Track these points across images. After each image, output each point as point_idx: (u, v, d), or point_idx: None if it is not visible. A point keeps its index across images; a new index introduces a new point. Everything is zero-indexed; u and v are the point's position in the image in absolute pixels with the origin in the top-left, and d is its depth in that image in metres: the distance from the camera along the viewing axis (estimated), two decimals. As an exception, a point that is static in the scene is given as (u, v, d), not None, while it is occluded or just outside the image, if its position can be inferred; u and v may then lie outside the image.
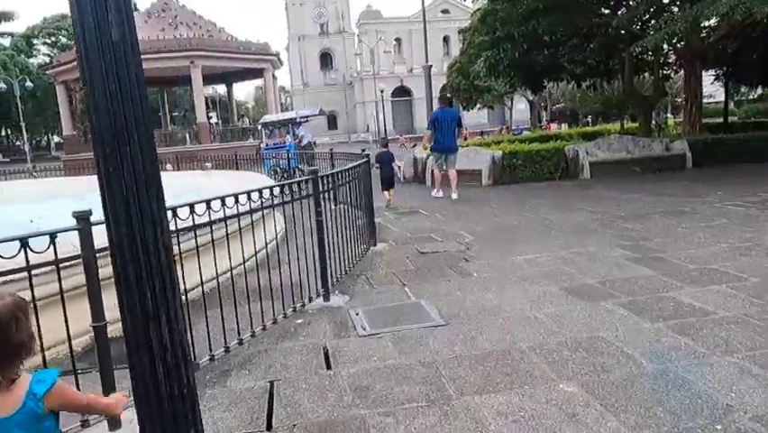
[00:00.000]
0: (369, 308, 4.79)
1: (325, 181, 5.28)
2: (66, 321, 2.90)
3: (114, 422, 2.86)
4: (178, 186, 10.82)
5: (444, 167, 11.55)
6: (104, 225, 1.50)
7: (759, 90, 33.82)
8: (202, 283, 3.77)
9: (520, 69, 16.75)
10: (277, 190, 4.44)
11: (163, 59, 29.91)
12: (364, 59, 65.18)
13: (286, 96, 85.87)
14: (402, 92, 69.32)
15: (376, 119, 52.13)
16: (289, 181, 4.78)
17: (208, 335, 3.76)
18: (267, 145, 20.11)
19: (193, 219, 3.58)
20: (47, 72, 35.98)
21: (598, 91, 23.56)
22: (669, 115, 39.68)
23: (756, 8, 9.88)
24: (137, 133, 1.43)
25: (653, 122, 21.93)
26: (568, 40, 16.36)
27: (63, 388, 1.65)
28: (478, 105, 40.93)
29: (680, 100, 36.27)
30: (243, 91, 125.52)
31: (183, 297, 3.77)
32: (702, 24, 14.15)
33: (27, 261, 2.72)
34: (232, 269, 4.04)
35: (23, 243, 2.67)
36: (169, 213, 3.33)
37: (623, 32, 15.40)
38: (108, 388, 2.91)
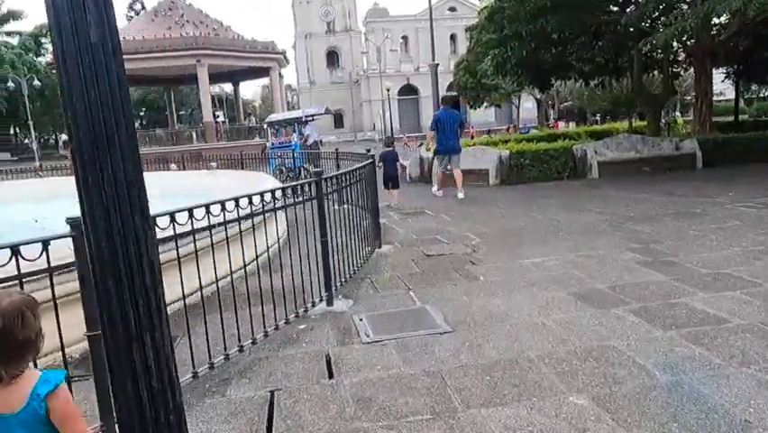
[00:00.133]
0: (373, 314, 4.68)
1: (329, 183, 5.18)
2: (59, 328, 2.81)
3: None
4: (184, 186, 10.79)
5: (448, 167, 11.53)
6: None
7: (770, 88, 33.44)
8: (201, 288, 3.67)
9: (528, 67, 16.61)
10: (279, 193, 4.34)
11: (169, 57, 29.97)
12: (371, 57, 65.08)
13: (292, 94, 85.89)
14: (409, 90, 69.11)
15: (382, 118, 52.01)
16: (292, 184, 4.68)
17: (207, 342, 3.67)
18: (272, 144, 20.03)
19: (192, 224, 3.49)
20: (54, 71, 35.99)
21: (606, 89, 23.34)
22: (677, 113, 39.35)
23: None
24: (118, 140, 1.33)
25: (663, 120, 21.70)
26: (576, 38, 16.19)
27: (67, 397, 1.58)
28: (485, 104, 40.69)
29: (689, 98, 36.02)
30: (250, 90, 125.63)
31: (181, 302, 3.71)
32: (713, 21, 13.95)
33: (18, 269, 2.63)
34: (232, 273, 3.94)
35: (14, 250, 2.58)
36: (167, 218, 3.27)
37: (632, 29, 15.21)
38: (103, 398, 2.83)
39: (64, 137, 55.74)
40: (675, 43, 16.58)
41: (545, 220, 8.30)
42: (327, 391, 3.36)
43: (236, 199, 3.80)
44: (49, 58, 60.21)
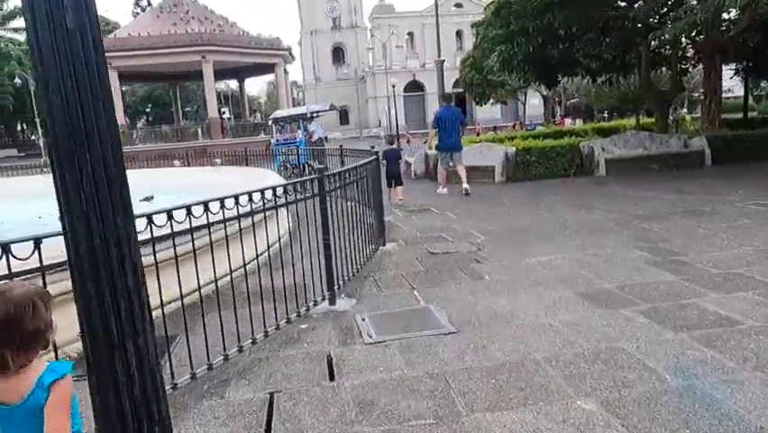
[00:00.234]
0: (376, 313, 4.59)
1: (331, 180, 5.08)
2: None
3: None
4: (187, 182, 10.73)
5: (450, 164, 11.55)
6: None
7: (779, 85, 33.09)
8: (199, 288, 3.59)
9: (534, 63, 16.44)
10: (280, 190, 4.26)
11: (174, 54, 29.94)
12: (376, 53, 64.83)
13: (298, 90, 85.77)
14: (415, 87, 68.83)
15: (388, 114, 51.85)
16: (293, 181, 4.59)
17: (206, 342, 3.59)
18: (277, 141, 19.96)
19: (190, 222, 3.40)
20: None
21: (613, 86, 23.11)
22: (684, 110, 39.02)
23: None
24: (99, 135, 1.24)
25: (671, 117, 21.48)
26: (583, 34, 16.00)
27: (66, 389, 1.56)
28: (491, 101, 40.45)
29: (697, 95, 35.69)
30: (256, 86, 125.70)
31: (183, 301, 3.63)
32: (722, 17, 13.75)
33: (9, 268, 2.56)
34: (231, 272, 3.86)
35: (5, 249, 2.50)
36: (164, 215, 3.19)
37: (640, 25, 15.01)
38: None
39: (70, 133, 55.71)
40: (684, 39, 16.37)
41: (552, 218, 8.19)
42: (328, 394, 3.28)
43: (236, 197, 3.72)
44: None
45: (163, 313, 3.35)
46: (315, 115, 19.78)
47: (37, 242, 2.62)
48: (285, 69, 36.69)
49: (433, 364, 3.56)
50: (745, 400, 2.87)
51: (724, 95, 19.23)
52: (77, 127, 1.23)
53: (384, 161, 10.82)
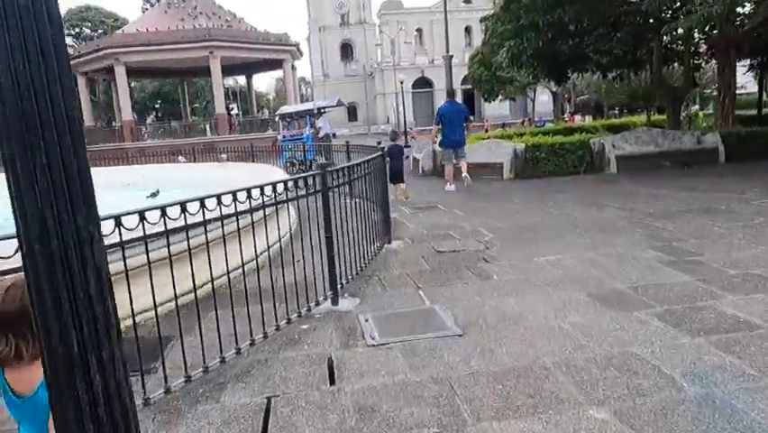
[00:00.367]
0: (379, 314, 4.45)
1: (335, 176, 4.94)
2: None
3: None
4: (192, 178, 10.62)
5: (455, 160, 11.53)
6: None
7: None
8: (195, 288, 3.46)
9: (544, 59, 16.19)
10: (281, 187, 4.12)
11: (182, 49, 29.88)
12: (385, 49, 64.51)
13: (306, 87, 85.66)
14: (423, 83, 68.49)
15: (396, 111, 51.62)
16: (295, 177, 4.45)
17: (201, 343, 3.46)
18: (284, 137, 19.84)
19: (185, 219, 3.27)
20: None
21: (624, 82, 22.82)
22: (696, 106, 38.49)
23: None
24: (55, 122, 1.10)
25: (684, 114, 21.15)
26: (594, 29, 15.76)
27: None
28: (500, 97, 40.13)
29: (709, 92, 35.21)
30: (265, 82, 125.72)
31: (182, 300, 3.50)
32: (737, 11, 13.47)
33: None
34: (229, 272, 3.73)
35: (-14, 247, 2.38)
36: (158, 212, 3.05)
37: (651, 20, 14.75)
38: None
39: (80, 129, 55.94)
40: (697, 34, 16.10)
41: (562, 216, 8.01)
42: (327, 399, 3.14)
43: (234, 193, 3.58)
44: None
45: (156, 315, 3.22)
46: (322, 110, 19.64)
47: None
48: (293, 65, 36.55)
49: (437, 369, 3.42)
50: (767, 411, 2.71)
51: (737, 91, 18.91)
52: (29, 112, 1.08)
53: (387, 158, 10.69)
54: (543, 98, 48.77)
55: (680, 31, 14.04)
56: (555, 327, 3.93)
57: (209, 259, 3.51)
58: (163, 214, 3.10)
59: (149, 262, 3.09)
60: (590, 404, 2.88)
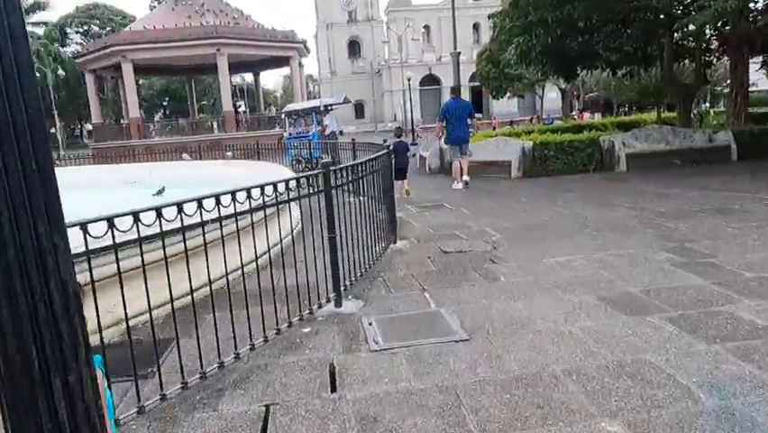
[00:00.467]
0: (383, 317, 4.33)
1: (338, 175, 4.82)
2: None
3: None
4: (197, 175, 10.55)
5: (459, 157, 11.52)
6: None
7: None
8: (192, 291, 3.35)
9: (553, 55, 16.00)
10: (282, 187, 4.00)
11: (189, 47, 29.86)
12: (392, 47, 64.31)
13: (314, 84, 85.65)
14: (431, 80, 68.23)
15: (403, 108, 51.43)
16: (297, 176, 4.33)
17: (199, 348, 3.35)
18: (290, 135, 19.75)
19: (181, 220, 3.17)
20: (77, 61, 36.29)
21: (634, 79, 22.54)
22: (707, 104, 38.08)
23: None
24: (13, 121, 0.99)
25: (695, 111, 20.87)
26: (604, 25, 15.55)
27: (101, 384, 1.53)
28: (508, 94, 39.85)
29: (719, 89, 34.79)
30: (272, 80, 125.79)
31: (169, 305, 3.40)
32: (750, 6, 13.22)
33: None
34: (228, 274, 3.62)
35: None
36: (153, 213, 2.95)
37: (662, 16, 14.52)
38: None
39: (89, 127, 56.36)
40: (709, 30, 15.84)
41: (571, 215, 7.86)
42: (328, 408, 3.02)
43: (233, 193, 3.47)
44: (74, 48, 60.86)
45: (151, 318, 3.12)
46: (329, 108, 19.53)
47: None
48: (300, 63, 36.45)
49: (442, 376, 3.29)
50: (790, 425, 2.56)
51: (749, 88, 18.61)
52: (-18, 112, 0.97)
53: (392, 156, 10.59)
54: (551, 95, 48.40)
55: (691, 27, 13.81)
56: (565, 332, 3.80)
57: (207, 261, 3.40)
58: (158, 215, 3.00)
59: (143, 265, 2.99)
60: (603, 416, 2.75)
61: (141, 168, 13.61)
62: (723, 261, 5.17)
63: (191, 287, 3.32)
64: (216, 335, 3.46)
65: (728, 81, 19.15)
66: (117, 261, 2.86)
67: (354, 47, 73.59)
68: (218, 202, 3.37)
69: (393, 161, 10.37)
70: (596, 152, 12.88)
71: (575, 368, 3.27)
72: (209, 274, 3.44)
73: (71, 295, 1.11)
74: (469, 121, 11.76)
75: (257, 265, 3.94)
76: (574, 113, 41.34)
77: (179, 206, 3.11)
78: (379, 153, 6.44)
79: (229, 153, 16.60)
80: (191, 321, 3.42)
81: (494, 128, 31.42)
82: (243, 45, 31.39)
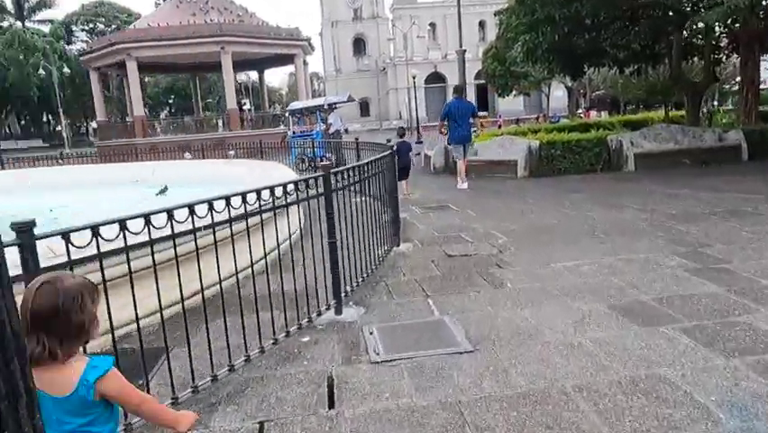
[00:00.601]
0: (385, 325, 4.17)
1: (340, 178, 4.66)
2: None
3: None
4: (202, 174, 10.43)
5: (461, 157, 11.50)
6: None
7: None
8: (182, 299, 3.20)
9: (560, 53, 15.77)
10: (279, 191, 3.84)
11: (194, 44, 29.75)
12: (398, 44, 64.06)
13: (319, 82, 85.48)
14: (436, 78, 67.95)
15: (408, 106, 51.22)
16: (296, 180, 4.17)
17: (191, 360, 3.20)
18: (293, 133, 19.60)
19: (171, 226, 3.01)
20: (81, 59, 36.27)
21: (641, 77, 22.25)
22: (715, 102, 37.67)
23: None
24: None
25: (704, 110, 20.58)
26: (611, 22, 15.29)
27: (117, 378, 1.64)
28: (513, 92, 39.55)
29: (728, 87, 34.39)
30: (277, 78, 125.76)
31: (172, 310, 3.26)
32: (762, 2, 12.95)
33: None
34: (221, 281, 3.47)
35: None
36: (142, 220, 2.80)
37: (671, 13, 14.28)
38: None
39: (94, 124, 56.44)
40: (718, 28, 15.58)
41: (579, 217, 7.67)
42: (325, 426, 2.87)
43: (227, 198, 3.31)
44: (79, 46, 60.94)
45: (138, 328, 2.97)
46: (333, 106, 19.36)
47: None
48: (304, 60, 36.29)
49: (446, 391, 3.13)
50: (819, 451, 2.39)
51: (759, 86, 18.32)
52: None
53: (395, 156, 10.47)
54: (557, 94, 48.12)
55: (700, 24, 13.58)
56: (575, 344, 3.63)
57: (199, 267, 3.25)
58: (147, 222, 2.85)
59: (130, 273, 2.84)
60: (616, 438, 2.58)
61: (143, 167, 13.48)
62: (738, 267, 4.98)
63: (182, 295, 3.17)
64: (209, 345, 3.31)
65: (737, 79, 18.87)
66: (102, 269, 2.71)
67: (359, 45, 73.40)
68: (211, 208, 3.21)
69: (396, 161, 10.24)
70: (603, 151, 12.67)
71: (586, 384, 3.10)
72: (201, 281, 3.29)
73: (9, 336, 0.96)
74: (471, 120, 11.70)
75: (252, 272, 3.78)
76: (581, 111, 40.98)
77: (170, 213, 2.96)
78: (382, 154, 6.28)
79: (231, 153, 16.46)
80: (182, 331, 3.27)
81: (500, 126, 31.21)
82: (248, 43, 31.26)
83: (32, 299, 1.52)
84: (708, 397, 2.87)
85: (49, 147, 49.63)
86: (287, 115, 24.71)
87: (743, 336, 3.56)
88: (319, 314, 4.32)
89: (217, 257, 3.37)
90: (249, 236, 3.63)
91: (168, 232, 3.02)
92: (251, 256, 3.65)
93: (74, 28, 66.09)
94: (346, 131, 20.26)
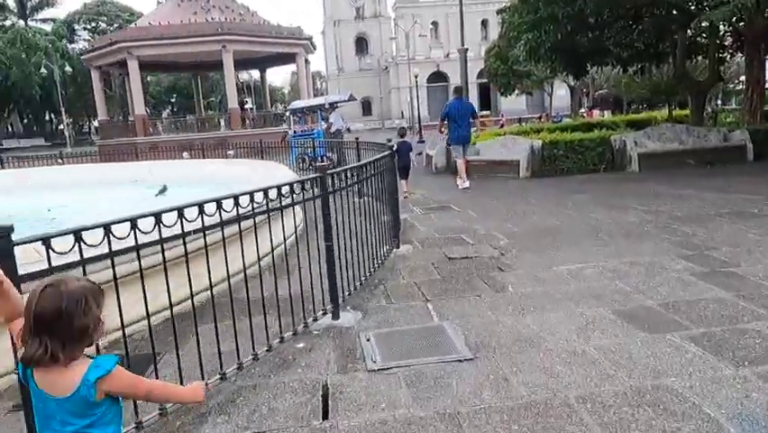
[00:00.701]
0: (383, 331, 4.06)
1: (337, 179, 4.54)
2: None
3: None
4: (202, 174, 10.33)
5: (460, 158, 11.48)
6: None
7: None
8: (171, 306, 3.09)
9: (563, 52, 15.63)
10: (273, 193, 3.73)
11: (195, 43, 29.66)
12: (400, 43, 63.93)
13: (321, 81, 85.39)
14: (438, 77, 67.78)
15: (410, 105, 51.06)
16: (291, 181, 4.05)
17: (179, 369, 3.08)
18: (294, 133, 19.49)
19: (159, 232, 2.90)
20: (83, 57, 36.21)
21: (645, 76, 22.09)
22: (719, 101, 37.48)
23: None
24: None
25: (709, 109, 20.41)
26: (615, 21, 15.15)
27: (120, 376, 1.62)
28: (516, 92, 39.35)
29: (732, 86, 34.22)
30: (280, 77, 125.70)
31: (163, 316, 3.15)
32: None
33: None
34: (212, 286, 3.36)
35: None
36: (128, 224, 2.70)
37: (675, 11, 14.12)
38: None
39: (96, 123, 56.40)
40: (723, 27, 15.42)
41: (582, 218, 7.55)
42: (318, 438, 2.76)
43: (218, 201, 3.20)
44: (82, 44, 60.90)
45: (124, 336, 2.86)
46: (334, 105, 19.24)
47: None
48: (306, 59, 36.15)
49: (444, 402, 3.02)
50: (836, 469, 2.27)
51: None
52: None
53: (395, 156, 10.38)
54: (560, 93, 47.89)
55: (705, 23, 13.42)
56: (578, 352, 3.51)
57: (188, 272, 3.14)
58: (133, 227, 2.74)
59: (115, 279, 2.73)
60: (622, 454, 2.47)
61: (140, 166, 13.39)
62: (746, 271, 4.85)
63: (170, 300, 3.06)
64: (199, 352, 3.19)
65: (742, 78, 18.70)
66: (85, 274, 2.61)
67: (361, 44, 73.29)
68: (201, 211, 3.10)
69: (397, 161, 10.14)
70: (607, 151, 12.54)
71: (590, 394, 2.98)
72: (191, 286, 3.17)
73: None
74: (471, 121, 11.66)
75: (245, 275, 3.67)
76: (584, 110, 40.80)
77: (157, 216, 2.85)
78: (382, 155, 6.16)
79: (231, 152, 16.35)
80: (173, 337, 3.16)
81: (502, 126, 31.06)
82: (249, 42, 31.15)
83: (35, 301, 1.52)
84: (717, 410, 2.75)
85: (51, 146, 49.61)
86: (288, 114, 24.60)
87: (753, 343, 3.44)
88: (315, 319, 4.21)
89: (208, 262, 3.26)
90: (241, 240, 3.51)
91: (166, 234, 2.92)
92: (243, 260, 3.54)
93: (76, 27, 66.08)
94: (348, 130, 20.13)
